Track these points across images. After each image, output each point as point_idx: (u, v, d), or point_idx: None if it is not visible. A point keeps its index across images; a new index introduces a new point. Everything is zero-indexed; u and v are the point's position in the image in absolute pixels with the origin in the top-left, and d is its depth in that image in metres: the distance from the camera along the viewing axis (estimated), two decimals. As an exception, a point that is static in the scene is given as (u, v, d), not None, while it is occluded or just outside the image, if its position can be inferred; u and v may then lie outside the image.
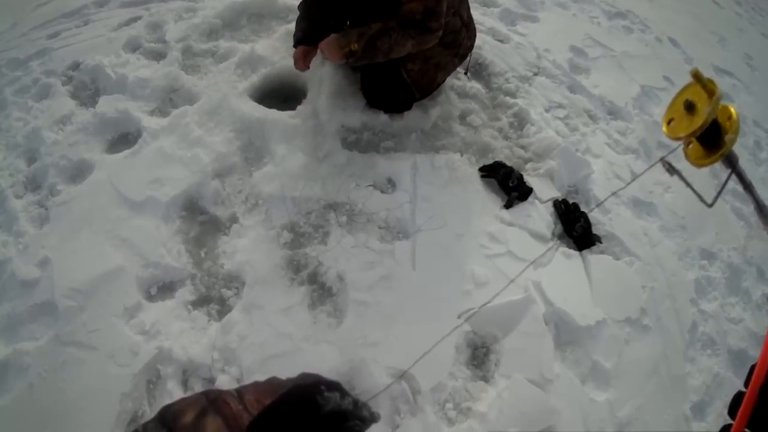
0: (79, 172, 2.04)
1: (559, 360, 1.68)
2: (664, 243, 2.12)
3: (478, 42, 2.35)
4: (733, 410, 0.57)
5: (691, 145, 0.74)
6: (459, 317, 1.64)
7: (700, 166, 0.72)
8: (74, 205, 1.90)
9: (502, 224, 1.95)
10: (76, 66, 2.46)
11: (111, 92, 2.29)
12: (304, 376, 0.79)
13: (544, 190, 2.09)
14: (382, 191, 2.00)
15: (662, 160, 0.78)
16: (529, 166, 2.20)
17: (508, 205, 2.01)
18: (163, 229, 1.84)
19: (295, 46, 2.10)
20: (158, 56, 2.49)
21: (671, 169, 0.78)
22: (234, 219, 1.91)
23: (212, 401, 0.70)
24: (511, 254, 1.86)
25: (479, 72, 2.60)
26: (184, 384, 1.54)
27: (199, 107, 2.19)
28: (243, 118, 2.13)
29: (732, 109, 0.69)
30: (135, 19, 2.73)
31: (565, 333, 1.74)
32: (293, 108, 2.19)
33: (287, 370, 0.85)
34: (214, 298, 1.73)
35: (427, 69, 2.07)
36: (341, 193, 1.96)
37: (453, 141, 2.21)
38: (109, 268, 1.70)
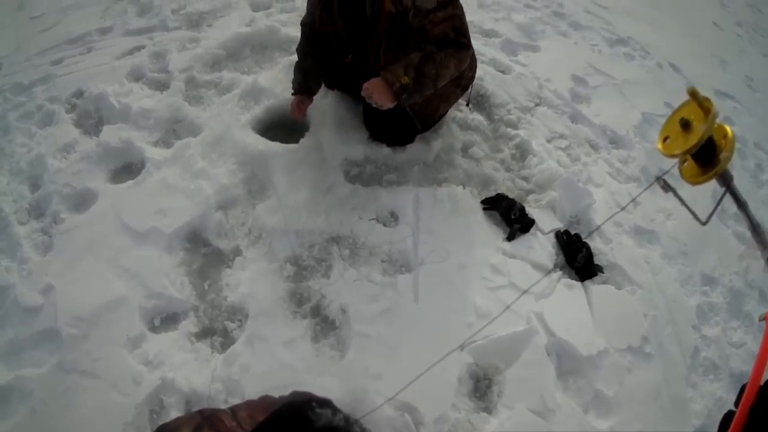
0: (82, 200, 2.05)
1: (562, 390, 1.67)
2: (665, 270, 2.11)
3: (479, 73, 2.36)
4: (723, 430, 0.57)
5: (686, 163, 0.75)
6: (461, 349, 1.63)
7: (694, 183, 0.73)
8: (78, 233, 1.92)
9: (504, 256, 1.95)
10: (79, 94, 2.49)
11: (114, 121, 2.31)
12: (296, 394, 0.80)
13: (546, 221, 2.09)
14: (385, 224, 2.00)
15: (658, 179, 0.79)
16: (531, 197, 2.20)
17: (510, 238, 2.01)
18: (166, 260, 1.85)
19: (293, 94, 2.14)
20: (161, 86, 2.52)
21: (666, 186, 0.78)
22: (237, 251, 1.91)
23: (207, 418, 0.72)
24: (513, 286, 1.85)
25: (481, 103, 2.61)
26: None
27: (202, 139, 2.21)
28: (246, 150, 2.14)
29: (727, 128, 0.70)
30: (138, 48, 2.76)
31: (567, 363, 1.73)
32: (296, 140, 2.21)
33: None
34: (218, 330, 1.73)
35: (430, 100, 2.07)
36: (344, 226, 1.97)
37: (455, 173, 2.22)
38: (112, 297, 1.72)
